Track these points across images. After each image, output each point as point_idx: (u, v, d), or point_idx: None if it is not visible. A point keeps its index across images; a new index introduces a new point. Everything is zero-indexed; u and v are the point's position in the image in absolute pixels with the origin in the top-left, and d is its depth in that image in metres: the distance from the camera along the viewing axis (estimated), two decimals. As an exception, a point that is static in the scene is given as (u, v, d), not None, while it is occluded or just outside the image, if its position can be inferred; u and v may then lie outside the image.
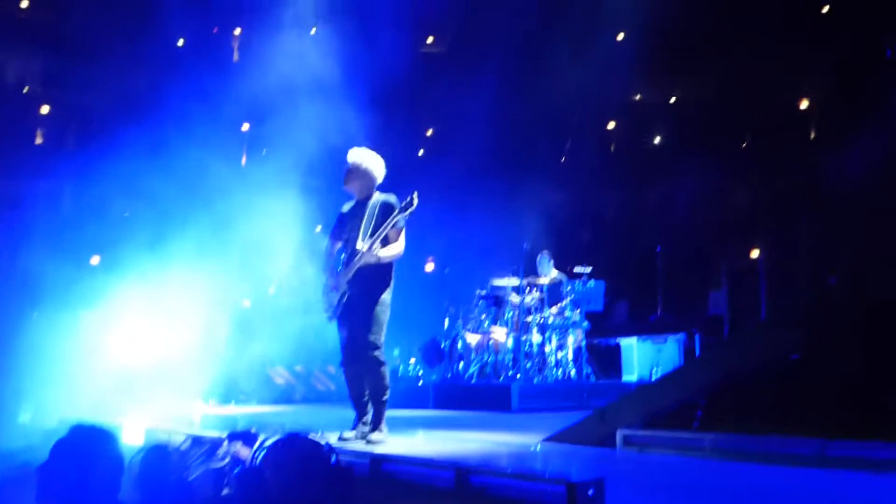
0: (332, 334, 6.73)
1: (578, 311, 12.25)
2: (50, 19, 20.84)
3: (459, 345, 12.57)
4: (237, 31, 21.05)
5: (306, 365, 14.93)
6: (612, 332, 14.56)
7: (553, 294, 12.30)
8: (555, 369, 11.96)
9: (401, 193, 6.52)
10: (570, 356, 12.12)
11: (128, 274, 11.74)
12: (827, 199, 16.25)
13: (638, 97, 22.02)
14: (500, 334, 12.18)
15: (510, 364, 11.89)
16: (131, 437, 7.93)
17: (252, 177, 12.35)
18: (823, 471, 4.84)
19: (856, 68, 17.12)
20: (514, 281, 12.26)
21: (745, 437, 5.38)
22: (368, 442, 6.31)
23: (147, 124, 13.08)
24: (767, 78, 18.67)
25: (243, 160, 16.80)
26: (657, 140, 21.96)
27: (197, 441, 5.48)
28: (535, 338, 11.99)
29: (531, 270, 12.49)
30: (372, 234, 6.42)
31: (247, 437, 4.81)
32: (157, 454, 4.41)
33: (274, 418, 10.40)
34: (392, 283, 6.57)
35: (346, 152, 6.76)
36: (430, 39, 22.16)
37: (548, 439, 6.64)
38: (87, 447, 3.70)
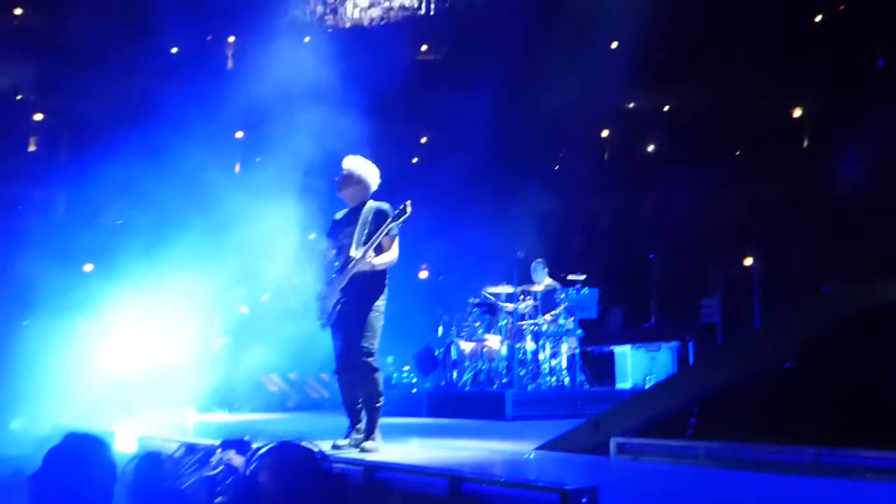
0: (325, 341, 6.73)
1: (572, 318, 12.24)
2: (44, 27, 20.86)
3: (453, 352, 12.55)
4: (231, 39, 21.09)
5: (300, 372, 14.92)
6: (606, 339, 14.56)
7: (547, 302, 12.29)
8: (548, 377, 11.95)
9: (395, 201, 6.53)
10: (564, 364, 12.11)
11: (122, 281, 11.73)
12: (820, 207, 16.31)
13: (632, 105, 22.09)
14: (493, 342, 12.17)
15: (504, 372, 11.87)
16: (124, 445, 7.92)
17: (246, 184, 12.35)
18: (817, 479, 4.84)
19: (848, 77, 17.19)
20: (507, 288, 12.25)
21: (739, 444, 5.37)
22: (362, 450, 6.30)
23: (141, 131, 13.09)
24: (761, 87, 18.75)
25: (237, 168, 16.80)
26: (651, 148, 22.02)
27: (190, 449, 5.47)
28: (529, 345, 11.98)
29: (525, 278, 12.49)
30: (365, 242, 6.43)
31: (240, 445, 4.80)
32: (151, 462, 4.40)
33: (267, 426, 10.38)
34: (386, 291, 6.58)
35: (340, 159, 6.77)
36: (424, 47, 22.21)
37: (541, 447, 6.63)
38: (80, 455, 3.68)
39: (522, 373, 11.75)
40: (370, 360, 6.41)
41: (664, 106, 21.77)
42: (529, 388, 11.63)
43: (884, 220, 14.11)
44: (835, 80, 17.48)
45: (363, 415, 6.55)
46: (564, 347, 12.17)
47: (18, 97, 21.21)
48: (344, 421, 6.72)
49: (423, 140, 22.71)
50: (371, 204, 6.65)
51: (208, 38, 20.49)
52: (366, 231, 6.48)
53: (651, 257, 16.57)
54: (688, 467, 5.53)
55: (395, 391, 13.25)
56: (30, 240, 13.92)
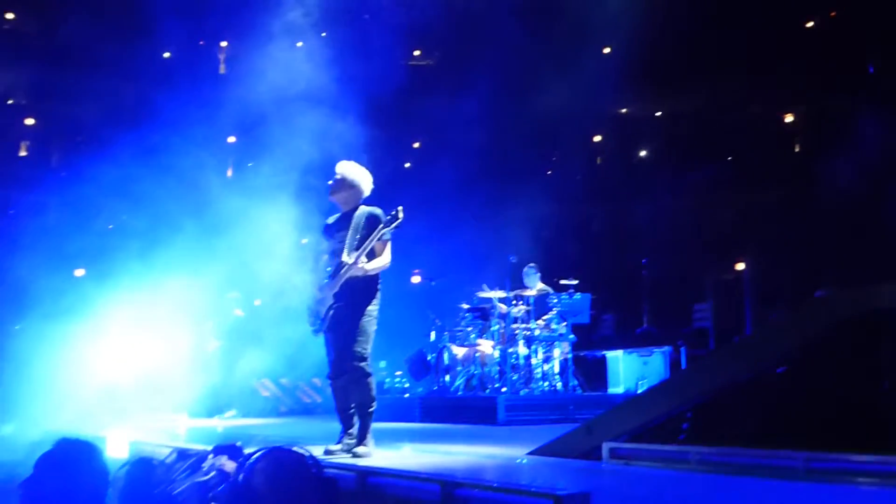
0: (318, 346, 6.73)
1: (565, 323, 12.24)
2: (36, 31, 20.83)
3: (446, 357, 12.55)
4: (224, 43, 21.07)
5: (292, 377, 14.88)
6: (599, 344, 14.59)
7: (539, 306, 12.29)
8: (541, 382, 11.95)
9: (388, 206, 6.53)
10: (557, 369, 12.11)
11: (114, 286, 11.70)
12: (811, 213, 16.36)
13: (624, 111, 22.13)
14: (486, 347, 12.17)
15: (496, 377, 11.87)
16: (116, 451, 7.89)
17: (239, 188, 12.33)
18: (809, 484, 4.85)
19: (840, 83, 17.26)
20: (500, 293, 12.26)
21: (731, 449, 5.38)
22: (354, 455, 6.30)
23: (134, 135, 13.06)
24: (752, 93, 18.81)
25: (229, 172, 16.78)
26: (643, 153, 22.07)
27: (182, 454, 5.45)
28: (522, 350, 11.98)
29: (518, 283, 12.50)
30: (357, 247, 6.43)
31: (232, 451, 4.79)
32: (142, 467, 4.38)
33: (260, 431, 10.36)
34: (379, 295, 6.58)
35: (332, 164, 6.78)
36: (417, 52, 22.23)
37: (534, 452, 6.63)
38: (72, 460, 3.68)
39: (515, 378, 11.74)
40: (363, 364, 6.40)
41: (657, 111, 21.83)
42: (522, 392, 11.63)
43: (875, 225, 14.16)
44: (826, 87, 17.55)
45: (355, 420, 6.54)
46: (557, 352, 12.17)
47: (10, 101, 21.18)
48: (336, 426, 6.71)
49: (416, 145, 22.72)
50: (363, 209, 6.65)
51: (200, 42, 20.46)
52: (357, 236, 6.48)
53: (643, 262, 16.60)
54: (680, 472, 5.54)
55: (387, 396, 13.24)
56: (22, 244, 13.87)
